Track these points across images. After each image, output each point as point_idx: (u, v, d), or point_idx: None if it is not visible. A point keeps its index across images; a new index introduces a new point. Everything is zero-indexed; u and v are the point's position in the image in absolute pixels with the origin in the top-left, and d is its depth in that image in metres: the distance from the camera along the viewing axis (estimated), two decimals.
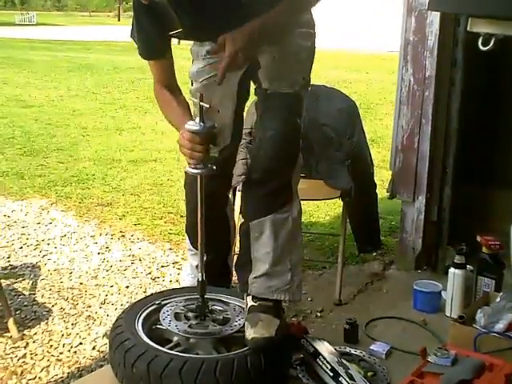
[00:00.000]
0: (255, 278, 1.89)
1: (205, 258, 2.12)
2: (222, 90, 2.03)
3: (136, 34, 1.91)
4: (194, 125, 1.78)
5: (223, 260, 2.27)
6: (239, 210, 2.06)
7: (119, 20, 46.36)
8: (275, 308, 1.88)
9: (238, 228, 2.13)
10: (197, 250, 2.06)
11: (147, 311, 1.97)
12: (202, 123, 1.78)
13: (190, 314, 1.94)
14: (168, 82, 1.99)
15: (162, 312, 1.96)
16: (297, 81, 1.89)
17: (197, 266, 2.12)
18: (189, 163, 1.80)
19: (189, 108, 1.97)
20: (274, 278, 1.88)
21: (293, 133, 1.88)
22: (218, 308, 2.01)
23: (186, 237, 2.32)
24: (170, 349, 1.80)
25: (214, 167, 1.81)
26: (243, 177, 2.03)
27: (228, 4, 1.72)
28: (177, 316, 1.94)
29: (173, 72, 2.00)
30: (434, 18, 2.60)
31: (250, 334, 1.78)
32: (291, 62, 1.89)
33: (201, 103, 1.76)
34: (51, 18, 46.04)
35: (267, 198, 1.87)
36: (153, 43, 1.92)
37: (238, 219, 2.17)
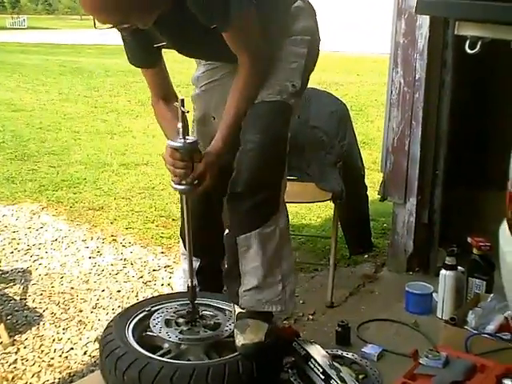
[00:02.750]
0: (245, 291, 1.87)
1: (199, 264, 2.12)
2: (218, 97, 2.05)
3: (123, 45, 1.90)
4: (175, 141, 1.76)
5: (217, 265, 2.26)
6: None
7: None
8: (263, 313, 1.87)
9: None
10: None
11: (137, 318, 1.97)
12: (183, 139, 1.76)
13: (181, 320, 1.94)
14: (164, 93, 1.97)
15: (152, 318, 1.95)
16: (285, 88, 1.86)
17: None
18: (172, 179, 1.80)
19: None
20: (264, 290, 1.86)
21: (275, 144, 1.83)
22: (209, 313, 2.01)
23: (180, 241, 2.31)
24: (161, 356, 1.79)
25: (197, 183, 1.78)
26: None
27: (200, 28, 1.73)
28: (167, 322, 1.93)
29: (168, 82, 1.98)
30: (424, 20, 2.61)
31: (239, 340, 1.78)
32: (280, 69, 1.88)
33: (181, 108, 1.74)
34: (42, 22, 45.91)
35: (252, 213, 1.83)
36: (140, 54, 1.91)
37: None
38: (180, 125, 1.75)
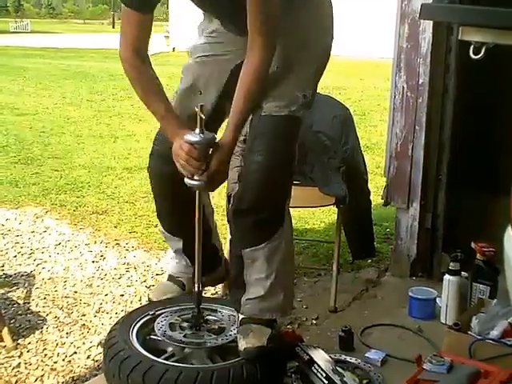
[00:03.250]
0: (248, 299, 1.87)
1: (182, 243, 2.09)
2: (211, 72, 1.95)
3: None
4: (193, 135, 1.71)
5: (205, 241, 2.05)
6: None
7: (114, 27, 46.33)
8: (267, 318, 1.88)
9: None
10: (170, 234, 2.09)
11: (141, 321, 1.97)
12: (201, 134, 1.71)
13: (185, 324, 1.94)
14: (141, 45, 1.79)
15: (156, 322, 1.95)
16: (296, 99, 1.79)
17: (175, 251, 2.11)
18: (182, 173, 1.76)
19: (159, 83, 1.84)
20: (267, 300, 1.86)
21: (280, 165, 1.79)
22: (213, 318, 2.01)
23: (159, 222, 2.20)
24: (165, 359, 1.79)
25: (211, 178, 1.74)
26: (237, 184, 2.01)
27: None
28: (172, 326, 1.93)
29: (149, 35, 1.82)
30: (427, 25, 2.61)
31: (242, 345, 1.78)
32: (295, 77, 1.80)
33: (200, 114, 1.71)
34: (45, 26, 46.00)
35: (258, 228, 1.81)
36: None
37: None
38: (198, 130, 1.72)
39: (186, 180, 1.76)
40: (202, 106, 1.72)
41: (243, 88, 1.73)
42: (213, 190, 1.84)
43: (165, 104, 1.81)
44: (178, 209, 2.00)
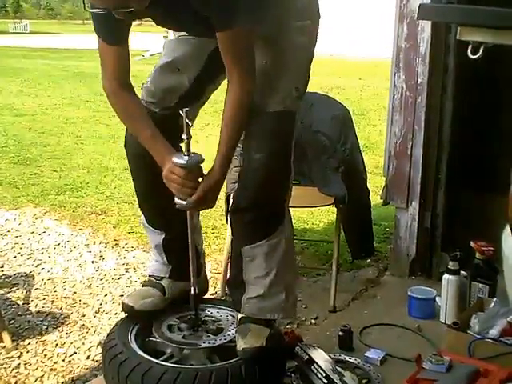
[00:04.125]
0: (248, 299, 1.86)
1: (164, 236, 2.04)
2: (191, 50, 1.90)
3: (95, 20, 1.70)
4: (180, 158, 1.67)
5: (183, 238, 1.95)
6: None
7: None
8: (266, 318, 1.87)
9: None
10: (152, 227, 2.05)
11: (140, 323, 1.96)
12: (188, 156, 1.67)
13: (183, 325, 1.93)
14: (122, 74, 1.78)
15: (155, 323, 1.95)
16: (289, 93, 1.78)
17: (156, 246, 2.06)
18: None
19: (144, 110, 1.82)
20: (267, 299, 1.85)
21: (279, 160, 1.78)
22: (212, 318, 2.00)
23: (142, 214, 2.15)
24: (164, 361, 1.79)
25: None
26: (236, 184, 2.01)
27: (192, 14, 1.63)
28: (170, 327, 1.93)
29: (128, 64, 1.79)
30: (426, 25, 2.61)
31: (240, 345, 1.77)
32: (285, 69, 1.78)
33: (186, 120, 1.67)
34: (45, 27, 46.01)
35: (257, 226, 1.80)
36: (117, 29, 1.71)
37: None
38: (184, 136, 1.68)
39: (176, 200, 1.73)
40: (187, 111, 1.67)
41: (226, 117, 1.71)
42: (199, 211, 1.82)
43: (151, 130, 1.77)
44: (158, 194, 1.89)
